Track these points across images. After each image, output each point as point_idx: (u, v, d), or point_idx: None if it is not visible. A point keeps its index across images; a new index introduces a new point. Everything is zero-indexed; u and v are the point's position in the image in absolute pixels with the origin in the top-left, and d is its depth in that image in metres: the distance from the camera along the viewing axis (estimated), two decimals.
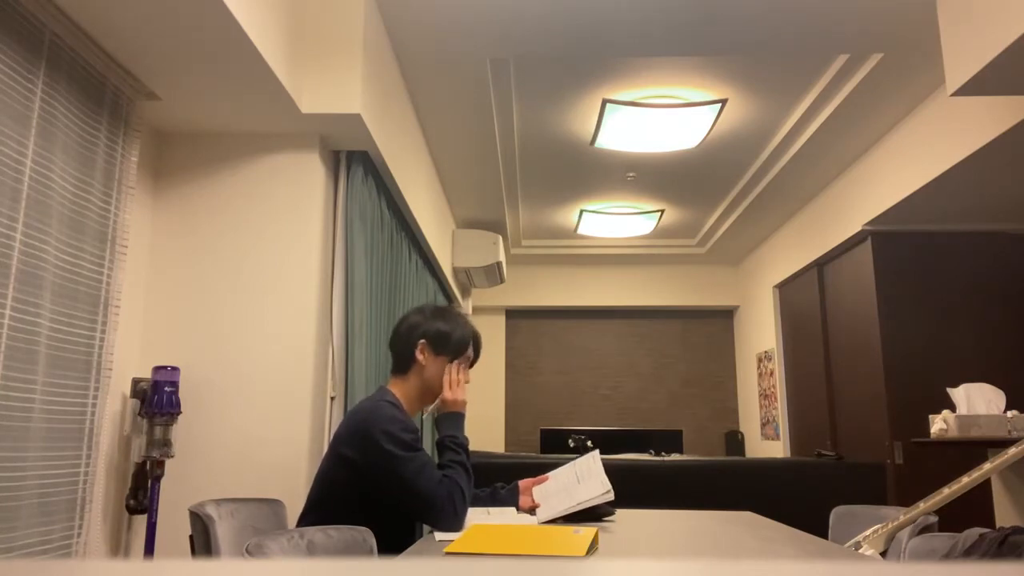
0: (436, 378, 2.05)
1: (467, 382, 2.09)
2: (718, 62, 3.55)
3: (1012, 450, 1.90)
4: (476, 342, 2.15)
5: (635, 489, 4.80)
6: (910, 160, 4.04)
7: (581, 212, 5.95)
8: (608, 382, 7.60)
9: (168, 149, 2.85)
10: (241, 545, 1.96)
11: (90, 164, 2.23)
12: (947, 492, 1.92)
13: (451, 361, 2.06)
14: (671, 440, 6.70)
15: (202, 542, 1.83)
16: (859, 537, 2.03)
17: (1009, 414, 3.32)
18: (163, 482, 2.57)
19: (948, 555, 1.59)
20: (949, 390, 3.52)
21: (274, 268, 2.75)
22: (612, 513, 2.21)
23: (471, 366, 2.13)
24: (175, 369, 2.52)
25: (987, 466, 1.94)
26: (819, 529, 2.46)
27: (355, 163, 3.02)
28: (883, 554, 1.95)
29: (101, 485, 2.39)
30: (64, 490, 2.10)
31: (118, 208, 2.38)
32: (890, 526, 1.98)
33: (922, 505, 1.93)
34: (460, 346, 2.08)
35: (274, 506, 2.25)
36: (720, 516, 2.29)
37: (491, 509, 2.21)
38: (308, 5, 2.75)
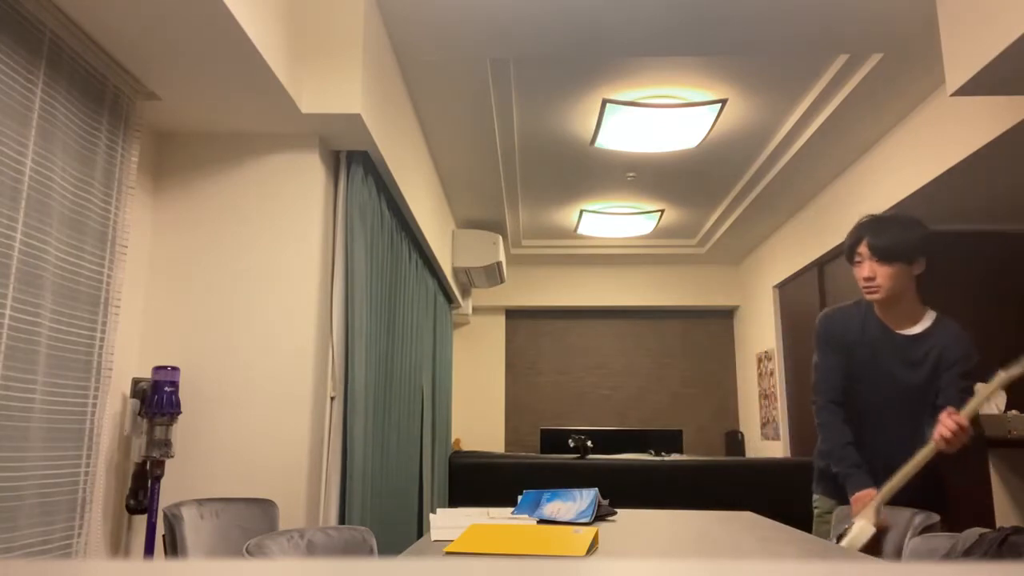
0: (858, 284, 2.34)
1: (864, 277, 2.30)
2: (718, 62, 3.55)
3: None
4: (854, 238, 2.37)
5: (635, 489, 4.80)
6: (910, 160, 4.04)
7: (581, 212, 5.95)
8: (608, 382, 7.60)
9: (168, 149, 2.85)
10: (225, 545, 1.97)
11: (90, 164, 2.23)
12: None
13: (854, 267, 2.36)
14: (671, 440, 6.69)
15: (171, 541, 1.86)
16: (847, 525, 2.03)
17: (1009, 414, 3.32)
18: (163, 482, 2.57)
19: (948, 555, 1.59)
20: None
21: (274, 268, 2.75)
22: (613, 513, 2.21)
23: (876, 256, 2.27)
24: (175, 369, 2.52)
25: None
26: None
27: (355, 163, 3.02)
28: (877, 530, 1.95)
29: (101, 485, 2.39)
30: (64, 490, 2.10)
31: (118, 208, 2.38)
32: (879, 496, 1.99)
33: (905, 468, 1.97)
34: (848, 256, 2.38)
35: (264, 506, 2.25)
36: (720, 516, 2.29)
37: (491, 510, 2.21)
38: (308, 5, 2.75)
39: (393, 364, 3.55)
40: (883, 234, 2.25)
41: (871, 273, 2.25)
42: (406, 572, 0.38)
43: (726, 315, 7.72)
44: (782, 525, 2.12)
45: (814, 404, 2.37)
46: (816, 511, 2.40)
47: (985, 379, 2.02)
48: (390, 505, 3.45)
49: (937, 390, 2.22)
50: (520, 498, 2.16)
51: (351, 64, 2.71)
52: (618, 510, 2.32)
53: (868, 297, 2.29)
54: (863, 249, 2.28)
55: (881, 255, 2.24)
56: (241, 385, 2.67)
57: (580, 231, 6.43)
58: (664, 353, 7.67)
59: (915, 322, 2.28)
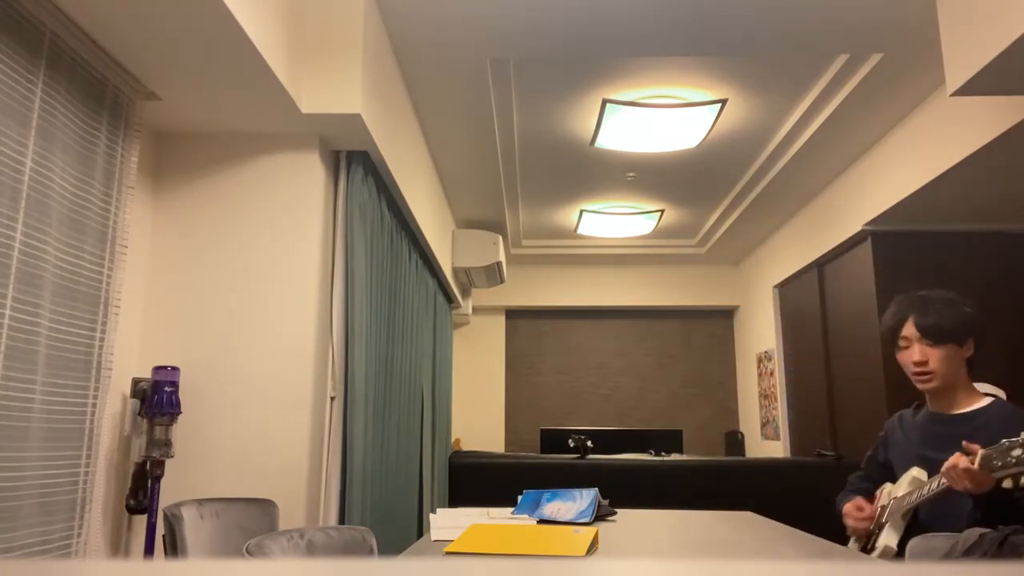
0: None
1: (914, 361, 1.98)
2: (718, 62, 3.55)
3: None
4: (896, 319, 2.05)
5: (635, 489, 4.80)
6: (910, 160, 4.04)
7: (581, 212, 5.95)
8: (608, 382, 7.60)
9: (168, 149, 2.85)
10: (225, 544, 1.97)
11: (90, 164, 2.23)
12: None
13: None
14: (671, 440, 6.69)
15: (171, 541, 1.86)
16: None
17: None
18: (163, 482, 2.57)
19: (948, 555, 1.59)
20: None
21: (274, 268, 2.75)
22: (613, 513, 2.21)
23: (926, 338, 1.98)
24: (175, 369, 2.52)
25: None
26: (819, 529, 2.45)
27: (355, 163, 3.02)
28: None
29: (101, 485, 2.39)
30: (64, 490, 2.10)
31: (118, 208, 2.38)
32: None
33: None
34: (890, 339, 2.07)
35: (264, 506, 2.25)
36: (720, 516, 2.29)
37: (491, 510, 2.21)
38: (308, 5, 2.75)
39: (393, 364, 3.55)
40: (930, 312, 1.98)
41: (923, 357, 1.97)
42: (406, 572, 0.38)
43: (726, 315, 7.72)
44: (782, 525, 2.13)
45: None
46: None
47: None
48: (390, 505, 3.45)
49: None
50: (520, 498, 2.17)
51: (351, 64, 2.71)
52: (618, 510, 2.32)
53: (921, 387, 2.00)
54: (909, 331, 2.00)
55: (933, 336, 1.96)
56: (241, 385, 2.67)
57: (580, 231, 6.43)
58: (664, 353, 7.67)
59: (968, 406, 1.99)
